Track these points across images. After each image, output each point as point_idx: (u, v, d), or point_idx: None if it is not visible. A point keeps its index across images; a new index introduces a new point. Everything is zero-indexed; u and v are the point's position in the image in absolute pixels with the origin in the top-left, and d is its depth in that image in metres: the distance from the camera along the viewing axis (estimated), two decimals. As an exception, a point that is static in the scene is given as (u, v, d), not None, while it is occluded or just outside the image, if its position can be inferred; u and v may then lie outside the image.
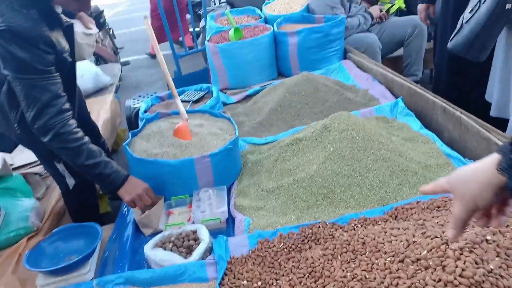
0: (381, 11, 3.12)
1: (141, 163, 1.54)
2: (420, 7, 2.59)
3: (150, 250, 1.22)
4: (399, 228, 1.11)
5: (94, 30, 1.91)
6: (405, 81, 2.02)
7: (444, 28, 2.34)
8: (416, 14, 2.59)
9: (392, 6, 3.29)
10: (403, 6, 3.22)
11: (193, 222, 1.38)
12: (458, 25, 1.73)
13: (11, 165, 1.96)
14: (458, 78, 2.30)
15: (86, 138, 1.41)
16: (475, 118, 1.53)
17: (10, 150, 2.33)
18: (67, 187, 1.76)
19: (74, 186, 1.76)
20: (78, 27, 1.83)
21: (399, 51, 3.18)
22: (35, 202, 1.76)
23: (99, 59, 4.65)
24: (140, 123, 1.89)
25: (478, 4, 1.62)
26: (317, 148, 1.55)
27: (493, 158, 0.62)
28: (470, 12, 1.67)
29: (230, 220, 1.41)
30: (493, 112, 1.81)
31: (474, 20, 1.63)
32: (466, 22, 1.68)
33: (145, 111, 2.12)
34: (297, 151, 1.61)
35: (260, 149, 1.80)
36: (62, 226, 1.40)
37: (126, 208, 1.58)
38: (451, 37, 1.77)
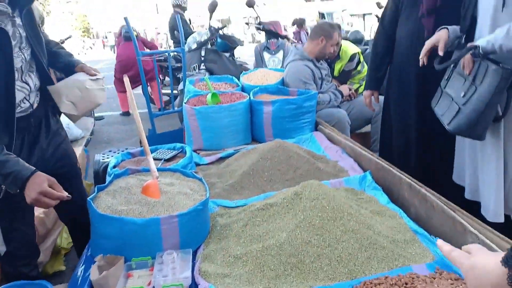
0: (350, 90, 3.34)
1: (104, 220, 1.47)
2: (365, 93, 2.79)
3: (104, 316, 1.12)
4: (367, 304, 1.08)
5: (100, 75, 1.95)
6: (373, 156, 2.10)
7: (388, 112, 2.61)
8: (382, 95, 2.79)
9: (360, 86, 3.54)
10: None
11: (153, 287, 1.30)
12: (454, 109, 1.82)
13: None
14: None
15: None
16: (439, 196, 1.59)
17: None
18: None
19: (6, 254, 1.62)
20: (82, 76, 1.84)
21: (367, 128, 3.36)
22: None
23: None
24: (108, 179, 1.83)
25: (474, 87, 1.72)
26: (287, 215, 1.54)
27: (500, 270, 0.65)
28: (463, 96, 1.78)
29: (193, 287, 1.34)
30: (467, 195, 1.90)
31: (475, 100, 1.69)
32: (464, 105, 1.76)
33: (114, 167, 2.07)
34: (268, 216, 1.59)
35: (230, 212, 1.77)
36: (8, 284, 1.28)
37: (81, 269, 1.47)
38: (449, 120, 1.83)
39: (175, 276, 1.32)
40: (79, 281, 1.40)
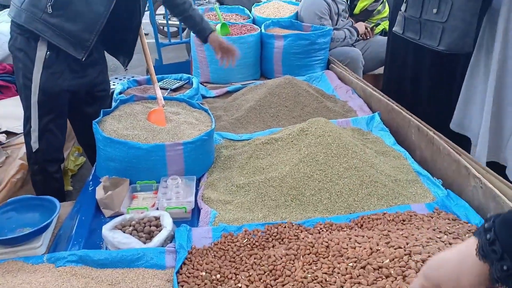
0: (366, 28, 3.19)
1: (109, 143, 1.48)
2: None
3: (108, 232, 1.17)
4: (363, 236, 1.11)
5: None
6: (383, 97, 2.05)
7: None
8: None
9: (377, 25, 3.37)
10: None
11: (157, 209, 1.34)
12: (437, 27, 1.80)
13: (-31, 129, 1.85)
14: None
15: None
16: (447, 140, 1.57)
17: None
18: (31, 150, 1.69)
19: (36, 151, 1.69)
20: None
21: (381, 69, 3.25)
22: (-9, 170, 1.67)
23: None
24: (113, 104, 1.83)
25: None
26: (291, 150, 1.55)
27: (470, 244, 0.54)
28: (437, 13, 1.75)
29: (196, 211, 1.38)
30: (452, 126, 1.93)
31: (457, 11, 1.71)
32: (446, 22, 1.75)
33: (120, 93, 2.05)
34: (272, 150, 1.60)
35: (235, 145, 1.78)
36: (18, 197, 1.32)
37: (91, 187, 1.51)
38: (438, 41, 1.82)
39: (178, 199, 1.36)
40: (85, 199, 1.44)
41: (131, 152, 1.46)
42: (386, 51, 2.72)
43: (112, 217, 1.33)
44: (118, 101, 1.81)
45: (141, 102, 1.83)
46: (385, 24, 3.31)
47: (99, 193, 1.38)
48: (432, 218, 1.23)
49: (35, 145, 1.68)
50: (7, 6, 4.05)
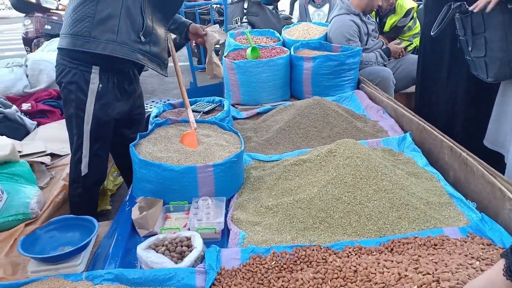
0: (399, 47, 3.17)
1: (144, 165, 1.55)
2: None
3: (143, 251, 1.22)
4: (392, 261, 1.10)
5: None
6: (415, 117, 2.03)
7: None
8: None
9: (410, 44, 3.35)
10: None
11: (189, 229, 1.39)
12: (481, 63, 1.86)
13: (19, 152, 2.00)
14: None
15: None
16: (480, 161, 1.53)
17: (20, 138, 2.37)
18: (79, 173, 1.78)
19: (84, 176, 1.79)
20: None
21: (413, 88, 3.21)
22: (37, 190, 1.78)
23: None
24: (150, 127, 1.92)
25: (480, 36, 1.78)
26: (320, 171, 1.56)
27: (498, 266, 0.58)
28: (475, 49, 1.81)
29: (226, 231, 1.42)
30: (485, 142, 1.92)
31: (491, 43, 1.78)
32: (485, 56, 1.82)
33: (156, 116, 2.15)
34: (300, 172, 1.62)
35: (264, 165, 1.81)
36: (60, 217, 1.41)
37: (127, 208, 1.59)
38: (486, 74, 1.89)
39: (209, 220, 1.40)
40: (123, 219, 1.51)
41: (165, 174, 1.52)
42: (417, 69, 2.69)
43: (146, 236, 1.39)
44: (153, 124, 1.90)
45: (175, 125, 1.91)
46: (417, 42, 3.28)
47: (135, 213, 1.45)
48: (465, 242, 1.20)
49: (85, 170, 1.78)
50: (54, 35, 4.35)
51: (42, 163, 2.04)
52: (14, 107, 2.61)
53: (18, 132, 2.43)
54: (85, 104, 1.70)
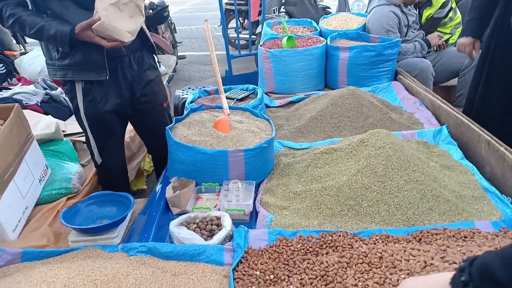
0: (439, 39, 3.07)
1: (179, 147, 1.61)
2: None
3: (175, 227, 1.28)
4: (419, 250, 1.10)
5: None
6: (452, 110, 1.97)
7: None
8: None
9: (451, 36, 3.23)
10: None
11: (219, 209, 1.43)
12: None
13: (63, 131, 2.12)
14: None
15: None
16: (520, 156, 1.47)
17: (64, 119, 2.51)
18: (96, 162, 1.91)
19: (102, 165, 1.90)
20: None
21: (453, 81, 3.10)
22: (79, 167, 1.89)
23: (157, 49, 4.90)
24: (185, 112, 1.98)
25: None
26: (350, 160, 1.56)
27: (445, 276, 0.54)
28: None
29: (254, 214, 1.45)
30: None
31: None
32: None
33: (191, 102, 2.21)
34: (330, 160, 1.62)
35: (294, 153, 1.82)
36: (100, 192, 1.50)
37: (160, 187, 1.66)
38: None
39: (238, 202, 1.44)
40: (157, 197, 1.58)
41: (198, 156, 1.57)
42: (477, 68, 2.42)
43: (178, 214, 1.46)
44: (189, 109, 1.96)
45: (209, 111, 1.96)
46: (459, 32, 3.16)
47: (169, 192, 1.52)
48: (497, 236, 1.17)
49: (98, 160, 1.90)
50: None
51: (83, 142, 2.16)
52: (59, 89, 2.76)
53: (63, 112, 2.57)
54: (77, 102, 1.78)
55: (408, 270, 0.99)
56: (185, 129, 1.76)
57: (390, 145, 1.51)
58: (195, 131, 1.74)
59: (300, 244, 1.21)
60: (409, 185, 1.40)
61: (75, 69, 1.70)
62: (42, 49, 1.76)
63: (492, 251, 0.47)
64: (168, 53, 4.84)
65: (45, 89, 2.71)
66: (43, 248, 1.33)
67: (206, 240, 1.24)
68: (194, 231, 1.27)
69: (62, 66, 1.71)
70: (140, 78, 1.90)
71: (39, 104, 2.53)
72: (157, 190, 1.65)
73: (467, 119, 1.84)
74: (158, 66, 2.16)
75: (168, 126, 1.72)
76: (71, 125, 2.31)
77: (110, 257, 1.21)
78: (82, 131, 1.90)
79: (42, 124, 1.99)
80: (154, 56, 2.01)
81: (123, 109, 1.88)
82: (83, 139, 2.17)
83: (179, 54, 6.00)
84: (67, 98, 2.67)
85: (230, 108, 1.92)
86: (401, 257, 1.06)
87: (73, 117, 2.51)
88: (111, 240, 1.32)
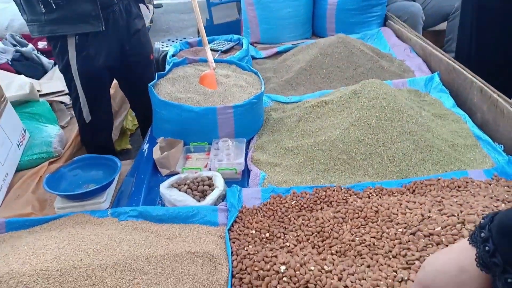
0: None
1: (164, 106, 1.54)
2: None
3: (166, 189, 1.24)
4: (415, 202, 1.09)
5: None
6: (444, 56, 1.92)
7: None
8: None
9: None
10: None
11: (210, 169, 1.40)
12: None
13: (38, 91, 2.00)
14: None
15: None
16: (512, 102, 1.46)
17: (38, 77, 2.37)
18: (84, 121, 1.81)
19: (89, 122, 1.81)
20: None
21: (442, 25, 3.02)
22: (59, 129, 1.81)
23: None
24: (167, 67, 1.88)
25: None
26: (342, 113, 1.52)
27: (468, 253, 0.50)
28: None
29: (246, 172, 1.42)
30: None
31: None
32: None
33: (173, 55, 2.10)
34: (322, 114, 1.58)
35: (284, 107, 1.77)
36: (83, 156, 1.44)
37: (146, 147, 1.60)
38: None
39: (229, 161, 1.40)
40: (144, 159, 1.53)
41: (185, 115, 1.50)
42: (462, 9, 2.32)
43: (168, 175, 1.41)
44: (171, 64, 1.85)
45: (193, 65, 1.86)
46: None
47: (156, 153, 1.46)
48: (490, 185, 1.17)
49: (88, 118, 1.80)
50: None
51: (61, 102, 2.05)
52: (30, 45, 2.58)
53: (36, 71, 2.42)
54: (68, 59, 1.66)
55: (405, 223, 0.99)
56: (169, 85, 1.67)
57: (384, 96, 1.47)
58: (180, 87, 1.66)
59: (294, 201, 1.20)
60: (403, 136, 1.38)
61: (68, 23, 1.59)
62: (20, 4, 1.60)
63: None
64: (144, 2, 4.55)
65: (14, 45, 2.53)
66: (28, 216, 1.28)
67: (199, 201, 1.21)
68: (185, 192, 1.24)
69: (50, 21, 1.58)
70: (129, 28, 1.82)
71: (10, 63, 2.37)
72: (143, 150, 1.59)
73: (459, 65, 1.80)
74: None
75: (150, 83, 1.62)
76: (47, 85, 2.18)
77: (100, 222, 1.18)
78: (58, 90, 1.79)
79: (15, 84, 1.87)
80: (139, 4, 1.91)
81: (114, 63, 1.81)
82: (61, 99, 2.07)
83: (155, 2, 5.66)
84: (39, 55, 2.51)
85: (215, 61, 1.83)
86: (397, 210, 1.06)
87: (48, 75, 2.38)
88: (99, 205, 1.28)
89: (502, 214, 0.46)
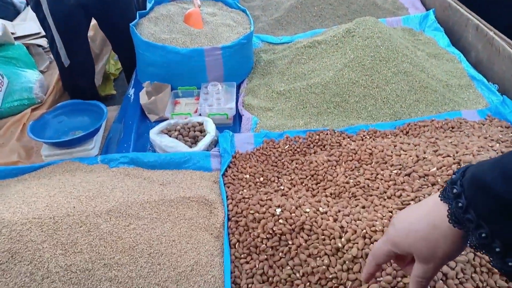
0: None
1: (147, 47, 1.46)
2: None
3: (156, 136, 1.21)
4: (409, 144, 1.09)
5: None
6: (441, -8, 1.84)
7: None
8: None
9: None
10: None
11: (200, 115, 1.36)
12: None
13: (12, 33, 1.87)
14: None
15: None
16: (509, 41, 1.42)
17: (11, 19, 2.21)
18: (62, 65, 1.72)
19: (69, 67, 1.72)
20: None
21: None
22: (38, 74, 1.72)
23: None
24: (148, 5, 1.75)
25: None
26: (336, 53, 1.46)
27: (439, 209, 0.48)
28: None
29: (237, 117, 1.39)
30: None
31: None
32: None
33: (155, -8, 1.96)
34: (314, 54, 1.52)
35: (275, 48, 1.70)
36: (67, 101, 1.37)
37: (132, 92, 1.54)
38: None
39: (220, 106, 1.36)
40: (131, 104, 1.47)
41: (170, 57, 1.43)
42: None
43: (157, 121, 1.37)
44: (152, 1, 1.73)
45: (176, 3, 1.75)
46: None
47: (143, 98, 1.41)
48: (483, 125, 1.17)
49: (66, 61, 1.71)
50: None
51: (38, 45, 1.93)
52: (-2, -17, 2.37)
53: (7, 11, 2.25)
54: None
55: (400, 165, 0.99)
56: (151, 25, 1.57)
57: (378, 35, 1.42)
58: (164, 27, 1.56)
59: (288, 145, 1.18)
60: (397, 76, 1.35)
61: None
62: None
63: (486, 160, 0.43)
64: None
65: (-21, -17, 2.32)
66: (15, 165, 1.25)
67: (191, 147, 1.19)
68: (176, 138, 1.21)
69: None
70: None
71: (-23, 3, 2.19)
72: (129, 96, 1.53)
73: (455, 2, 1.73)
74: None
75: (131, 23, 1.52)
76: (21, 26, 2.03)
77: (91, 170, 1.15)
78: (34, 32, 1.68)
79: (-15, 26, 1.74)
80: None
81: (88, 0, 1.69)
82: (38, 41, 1.94)
83: None
84: (8, -6, 2.32)
85: (200, -2, 1.71)
86: (391, 152, 1.05)
87: (21, 16, 2.22)
88: (88, 152, 1.25)
89: (474, 167, 0.44)
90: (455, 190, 0.45)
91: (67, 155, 1.23)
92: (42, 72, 1.84)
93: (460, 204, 0.44)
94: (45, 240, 0.79)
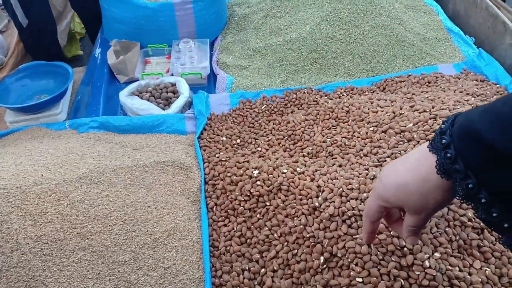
0: None
1: (112, 2, 1.36)
2: None
3: (126, 98, 1.16)
4: (386, 100, 1.08)
5: None
6: None
7: None
8: None
9: None
10: None
11: (172, 74, 1.30)
12: None
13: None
14: None
15: None
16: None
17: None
18: (21, 25, 1.60)
19: (28, 26, 1.59)
20: None
21: None
22: (-5, 35, 1.59)
23: None
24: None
25: None
26: (313, 6, 1.41)
27: (427, 160, 0.47)
28: None
29: (212, 77, 1.34)
30: None
31: None
32: None
33: None
34: (291, 8, 1.46)
35: (249, 2, 1.62)
36: (30, 63, 1.28)
37: (99, 52, 1.45)
38: None
39: (193, 65, 1.30)
40: (98, 64, 1.39)
41: (138, 12, 1.35)
42: None
43: (127, 83, 1.31)
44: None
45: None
46: None
47: (111, 57, 1.33)
48: (459, 79, 1.17)
49: (24, 21, 1.58)
50: None
51: (-7, 3, 1.78)
52: None
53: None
54: None
55: (377, 121, 0.98)
56: (116, -22, 1.46)
57: (355, -14, 1.36)
58: (130, -20, 1.45)
59: (264, 105, 1.16)
60: (375, 30, 1.32)
61: None
62: None
63: (476, 108, 0.41)
64: None
65: None
66: (-23, 133, 1.18)
67: (164, 109, 1.14)
68: (148, 100, 1.16)
69: None
70: None
71: None
72: (96, 56, 1.44)
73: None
74: None
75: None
76: (-30, -19, 1.86)
77: (59, 135, 1.10)
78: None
79: None
80: None
81: None
82: (-8, -2, 1.79)
83: None
84: None
85: None
86: (368, 109, 1.04)
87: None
88: (55, 117, 1.18)
89: (462, 117, 0.43)
90: (444, 141, 0.44)
91: (33, 121, 1.17)
92: (0, 32, 1.71)
93: (448, 155, 0.43)
94: (12, 211, 0.75)
